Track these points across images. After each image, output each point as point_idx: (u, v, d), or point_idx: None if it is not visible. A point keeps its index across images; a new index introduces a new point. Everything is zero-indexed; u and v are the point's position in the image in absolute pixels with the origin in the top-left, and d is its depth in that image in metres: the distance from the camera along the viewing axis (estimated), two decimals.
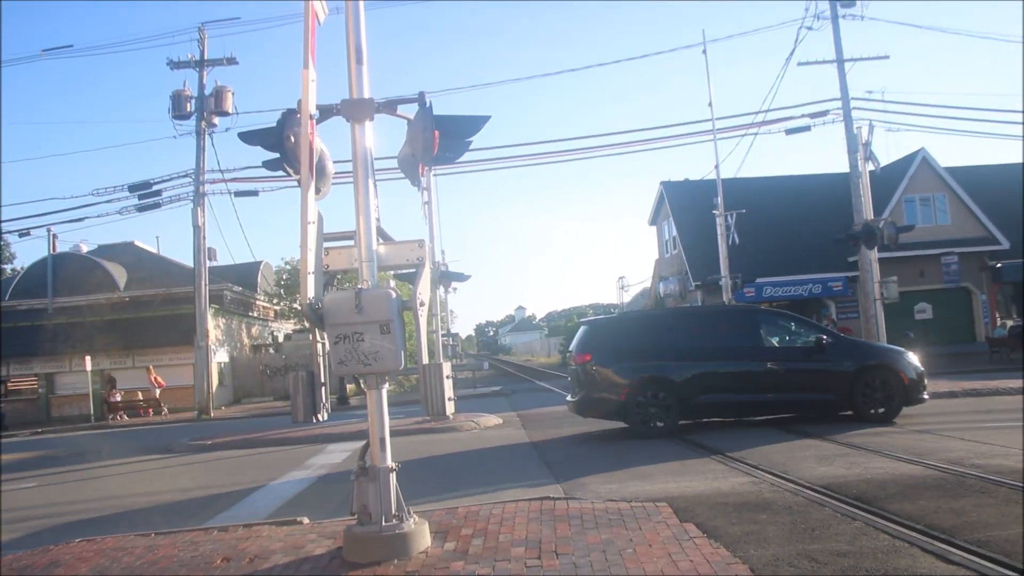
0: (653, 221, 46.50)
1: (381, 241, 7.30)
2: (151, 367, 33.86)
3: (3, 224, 33.40)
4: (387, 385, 7.00)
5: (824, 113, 28.83)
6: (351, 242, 7.29)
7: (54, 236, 39.16)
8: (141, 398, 33.08)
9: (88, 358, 32.46)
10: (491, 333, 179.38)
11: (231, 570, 6.69)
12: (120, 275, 40.68)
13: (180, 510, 10.73)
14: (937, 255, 34.66)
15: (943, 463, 9.62)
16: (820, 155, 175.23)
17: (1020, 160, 37.47)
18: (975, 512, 7.21)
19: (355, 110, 7.04)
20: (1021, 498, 7.62)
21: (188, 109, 29.70)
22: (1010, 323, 31.31)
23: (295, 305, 42.01)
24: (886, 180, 33.32)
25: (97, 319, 36.81)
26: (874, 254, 20.29)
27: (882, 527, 6.88)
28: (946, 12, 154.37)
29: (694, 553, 6.29)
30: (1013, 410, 14.67)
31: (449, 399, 7.25)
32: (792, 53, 46.81)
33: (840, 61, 28.53)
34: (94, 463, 17.21)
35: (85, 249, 42.88)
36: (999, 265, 35.05)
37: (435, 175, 22.97)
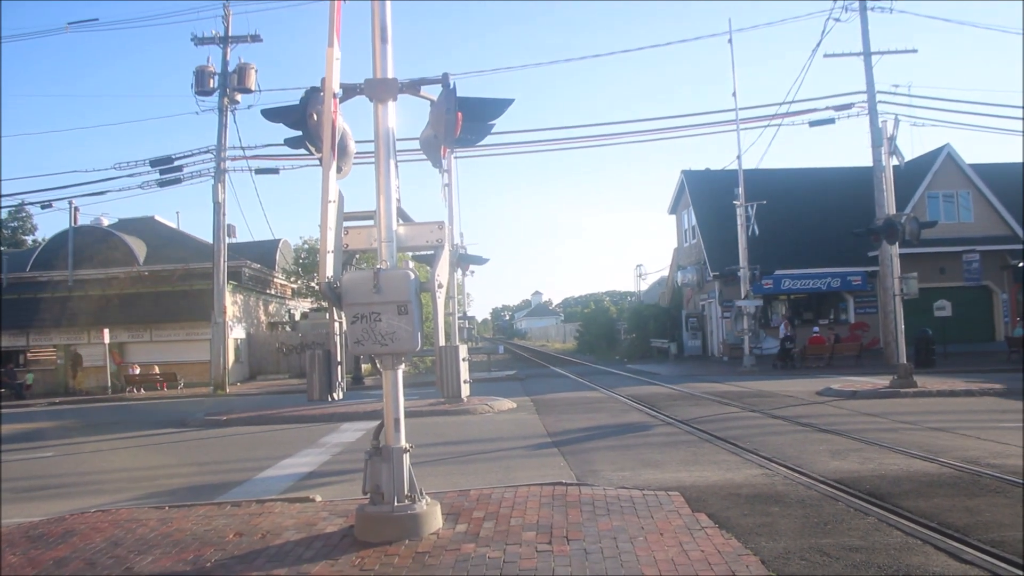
0: (673, 210, 46.29)
1: (401, 222, 7.30)
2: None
3: (25, 196, 33.59)
4: (403, 366, 7.01)
5: (849, 106, 28.70)
6: (371, 222, 7.30)
7: (75, 209, 39.32)
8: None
9: (106, 331, 32.71)
10: (507, 317, 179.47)
11: (243, 545, 6.74)
12: (140, 249, 40.90)
13: (194, 484, 10.83)
14: (958, 252, 34.29)
15: (959, 461, 9.56)
16: (843, 149, 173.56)
17: None
18: (989, 511, 7.17)
19: (379, 90, 7.02)
20: (1021, 495, 7.59)
21: (211, 85, 29.81)
22: None
23: (313, 284, 42.21)
24: (909, 175, 33.02)
25: (116, 292, 37.08)
26: (895, 249, 20.09)
27: (895, 523, 6.84)
28: (976, 7, 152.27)
29: (705, 543, 6.28)
30: None
31: (464, 382, 7.27)
32: (819, 45, 46.53)
33: (867, 54, 28.34)
34: (110, 435, 17.37)
35: (106, 223, 43.10)
36: (1021, 264, 34.67)
37: (456, 158, 22.89)
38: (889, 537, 6.45)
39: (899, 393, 17.98)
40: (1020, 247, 34.99)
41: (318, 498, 8.53)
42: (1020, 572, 5.51)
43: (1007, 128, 57.94)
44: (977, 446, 10.79)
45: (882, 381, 20.07)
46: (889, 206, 20.38)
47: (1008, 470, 8.91)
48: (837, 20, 28.61)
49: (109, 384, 32.60)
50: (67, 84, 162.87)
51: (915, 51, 29.54)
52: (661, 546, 6.21)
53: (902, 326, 19.66)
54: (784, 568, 5.75)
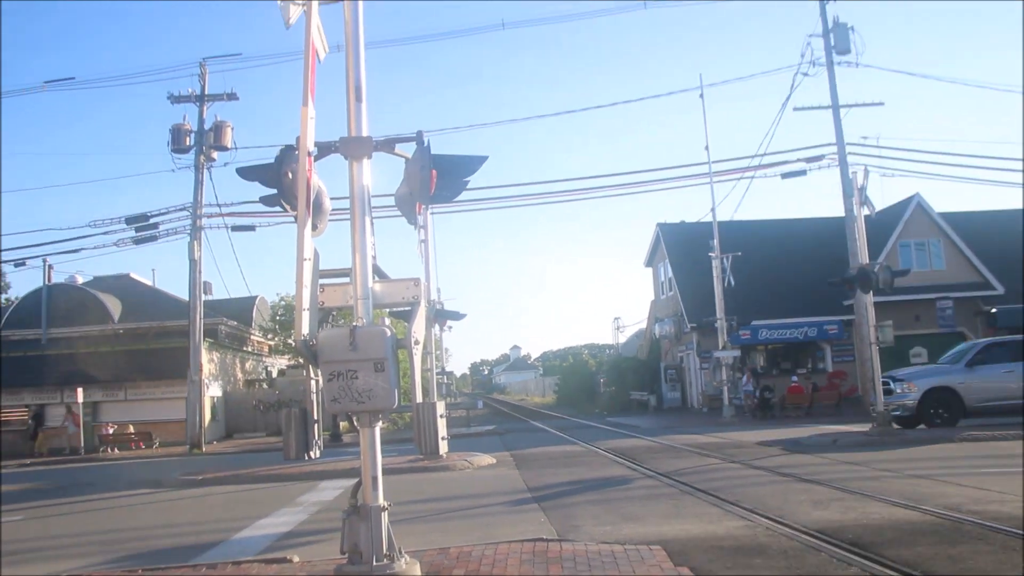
0: (649, 263, 46.64)
1: (377, 279, 7.31)
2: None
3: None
4: (380, 423, 6.96)
5: (820, 158, 29.23)
6: (347, 279, 7.30)
7: (50, 267, 38.97)
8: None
9: (80, 390, 32.25)
10: (486, 372, 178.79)
11: None
12: (115, 307, 40.56)
13: (169, 546, 10.58)
14: (932, 300, 34.75)
15: (940, 509, 9.55)
16: (816, 199, 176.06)
17: (1017, 207, 37.62)
18: (972, 559, 7.14)
19: (353, 148, 7.08)
20: (1020, 545, 7.56)
21: (187, 143, 29.88)
22: None
23: (290, 341, 41.84)
24: (881, 225, 33.50)
25: (91, 351, 36.63)
26: (869, 298, 20.29)
27: (879, 573, 6.80)
28: (940, 60, 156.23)
29: None
30: (1009, 456, 14.61)
31: (442, 438, 7.23)
32: (788, 98, 47.36)
33: (835, 107, 28.93)
34: (82, 496, 17.02)
35: (80, 280, 42.72)
36: (994, 311, 35.10)
37: (432, 213, 22.97)
38: None
39: (878, 441, 18.01)
40: (992, 293, 35.47)
41: (296, 558, 8.37)
42: None
43: (976, 178, 59.02)
44: (957, 492, 10.79)
45: (861, 428, 20.10)
46: (862, 255, 20.62)
47: (989, 516, 8.90)
48: (805, 75, 29.30)
49: (82, 444, 32.00)
50: (42, 142, 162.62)
51: (882, 104, 30.18)
52: None
53: (879, 374, 19.76)
54: None
